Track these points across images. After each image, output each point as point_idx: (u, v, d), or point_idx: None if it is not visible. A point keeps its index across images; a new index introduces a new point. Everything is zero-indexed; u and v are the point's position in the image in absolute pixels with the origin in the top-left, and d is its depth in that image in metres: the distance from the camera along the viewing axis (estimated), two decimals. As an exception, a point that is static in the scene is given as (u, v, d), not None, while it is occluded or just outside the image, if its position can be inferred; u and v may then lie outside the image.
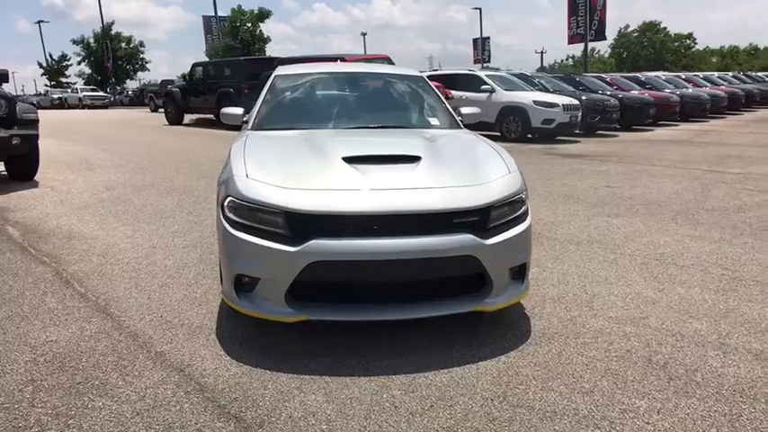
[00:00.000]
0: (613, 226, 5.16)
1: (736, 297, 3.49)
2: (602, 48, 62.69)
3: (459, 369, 2.64)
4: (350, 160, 2.93)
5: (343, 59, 11.89)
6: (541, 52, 67.55)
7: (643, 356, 2.76)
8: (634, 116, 15.57)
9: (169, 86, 17.64)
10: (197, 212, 5.52)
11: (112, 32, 47.95)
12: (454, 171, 2.99)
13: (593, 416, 2.29)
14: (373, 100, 4.31)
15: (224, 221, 2.82)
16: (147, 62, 51.60)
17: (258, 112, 3.97)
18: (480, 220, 2.77)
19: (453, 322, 2.98)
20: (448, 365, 2.67)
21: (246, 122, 3.98)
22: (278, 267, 2.64)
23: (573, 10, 27.44)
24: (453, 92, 12.19)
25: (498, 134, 12.38)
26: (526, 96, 12.22)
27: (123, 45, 49.22)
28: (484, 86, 12.46)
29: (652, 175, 7.95)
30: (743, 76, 29.07)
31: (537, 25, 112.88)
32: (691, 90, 20.08)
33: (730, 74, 29.29)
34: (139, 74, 53.60)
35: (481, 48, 53.51)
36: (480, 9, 51.20)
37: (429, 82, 4.48)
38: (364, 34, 65.26)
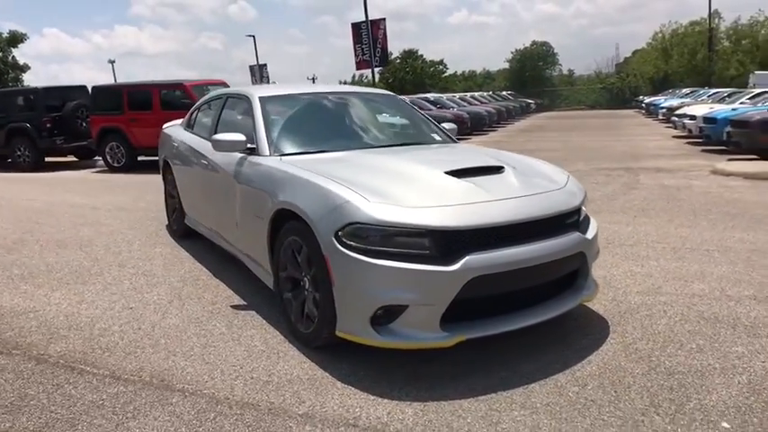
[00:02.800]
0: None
1: (691, 261, 4.34)
2: (367, 73, 68.38)
3: (594, 357, 2.84)
4: (451, 174, 2.92)
5: (181, 85, 11.00)
6: (313, 78, 70.87)
7: (697, 315, 3.31)
8: (442, 132, 17.42)
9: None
10: (132, 264, 4.63)
11: None
12: (538, 176, 3.19)
13: (724, 366, 2.71)
14: (374, 120, 4.24)
15: (348, 251, 2.56)
16: None
17: (266, 137, 3.59)
18: (577, 219, 3.03)
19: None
20: (581, 358, 2.84)
21: (254, 149, 3.57)
22: (435, 290, 2.51)
23: (357, 38, 29.49)
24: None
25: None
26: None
27: None
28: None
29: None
30: (496, 96, 34.62)
31: (291, 53, 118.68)
32: (473, 108, 23.24)
33: (486, 94, 34.55)
34: None
35: (259, 74, 53.51)
36: (254, 36, 51.23)
37: (403, 100, 4.58)
38: (112, 62, 60.11)
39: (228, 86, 12.02)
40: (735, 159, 10.06)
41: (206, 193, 4.34)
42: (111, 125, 11.13)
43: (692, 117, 14.89)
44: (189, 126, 5.13)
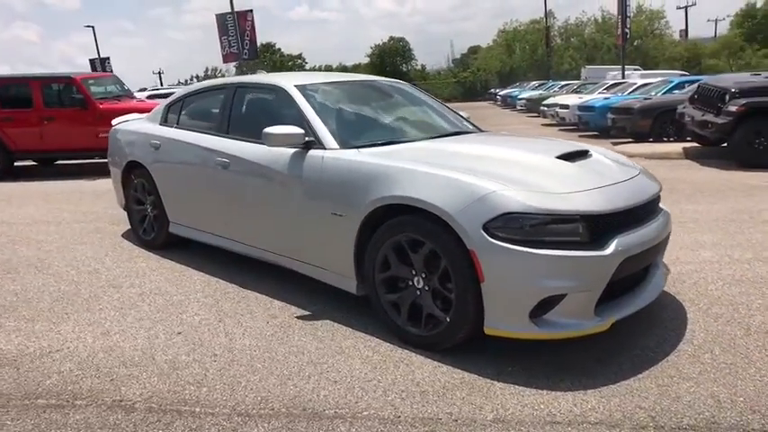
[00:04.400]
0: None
1: (678, 233, 4.74)
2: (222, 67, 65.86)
3: (693, 326, 3.04)
4: (562, 159, 2.93)
5: (70, 78, 9.54)
6: (159, 73, 66.65)
7: (731, 279, 3.69)
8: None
9: None
10: (126, 282, 3.91)
11: None
12: (618, 159, 3.30)
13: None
14: (415, 108, 4.06)
15: (502, 243, 2.45)
16: None
17: (327, 129, 3.27)
18: (659, 198, 3.22)
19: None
20: (682, 328, 3.03)
21: (315, 142, 3.23)
22: (593, 275, 2.51)
23: (223, 30, 27.93)
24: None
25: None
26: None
27: None
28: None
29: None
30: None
31: (123, 46, 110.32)
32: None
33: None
34: None
35: (101, 68, 48.47)
36: (93, 27, 46.09)
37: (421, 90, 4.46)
38: None
39: (119, 79, 10.76)
40: (618, 143, 11.34)
41: (222, 194, 3.82)
42: (-24, 125, 9.31)
43: (565, 106, 16.52)
44: (168, 122, 4.48)
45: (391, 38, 53.16)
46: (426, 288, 2.77)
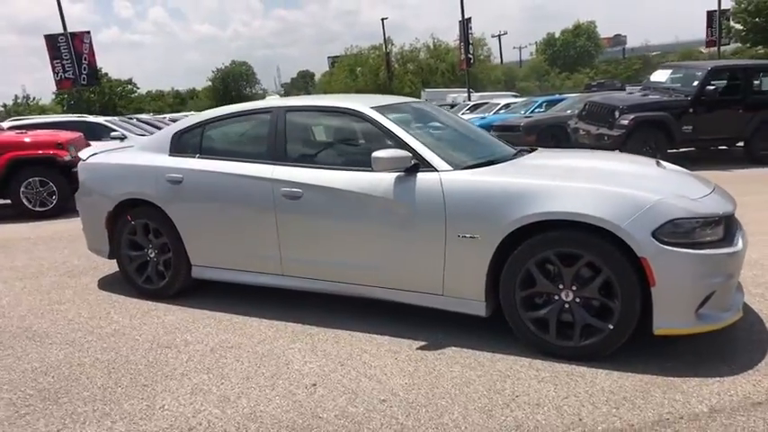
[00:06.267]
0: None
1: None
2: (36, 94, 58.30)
3: (761, 307, 3.52)
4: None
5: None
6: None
7: (736, 264, 4.32)
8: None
9: None
10: (176, 341, 3.33)
11: None
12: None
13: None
14: (464, 127, 4.06)
15: (673, 248, 2.64)
16: None
17: (431, 150, 3.18)
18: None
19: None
20: (756, 312, 3.50)
21: (420, 164, 3.12)
22: (734, 270, 2.83)
23: (55, 53, 24.66)
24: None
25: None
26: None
27: None
28: (113, 134, 10.68)
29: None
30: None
31: None
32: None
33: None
34: None
35: None
36: None
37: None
38: None
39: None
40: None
41: (291, 228, 3.44)
42: None
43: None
44: (183, 152, 3.91)
45: (233, 62, 51.79)
46: (577, 300, 2.84)
